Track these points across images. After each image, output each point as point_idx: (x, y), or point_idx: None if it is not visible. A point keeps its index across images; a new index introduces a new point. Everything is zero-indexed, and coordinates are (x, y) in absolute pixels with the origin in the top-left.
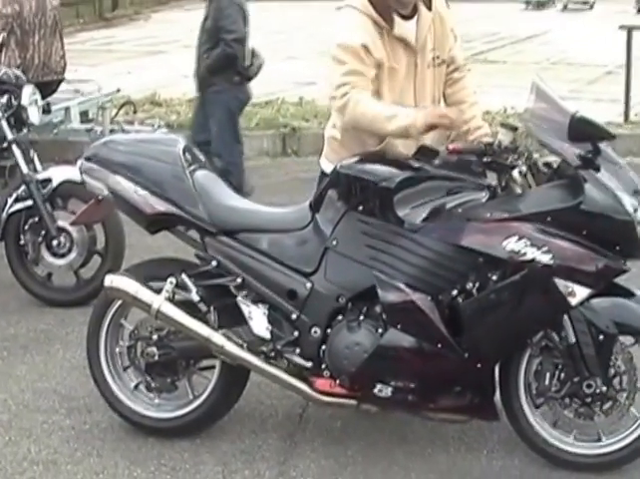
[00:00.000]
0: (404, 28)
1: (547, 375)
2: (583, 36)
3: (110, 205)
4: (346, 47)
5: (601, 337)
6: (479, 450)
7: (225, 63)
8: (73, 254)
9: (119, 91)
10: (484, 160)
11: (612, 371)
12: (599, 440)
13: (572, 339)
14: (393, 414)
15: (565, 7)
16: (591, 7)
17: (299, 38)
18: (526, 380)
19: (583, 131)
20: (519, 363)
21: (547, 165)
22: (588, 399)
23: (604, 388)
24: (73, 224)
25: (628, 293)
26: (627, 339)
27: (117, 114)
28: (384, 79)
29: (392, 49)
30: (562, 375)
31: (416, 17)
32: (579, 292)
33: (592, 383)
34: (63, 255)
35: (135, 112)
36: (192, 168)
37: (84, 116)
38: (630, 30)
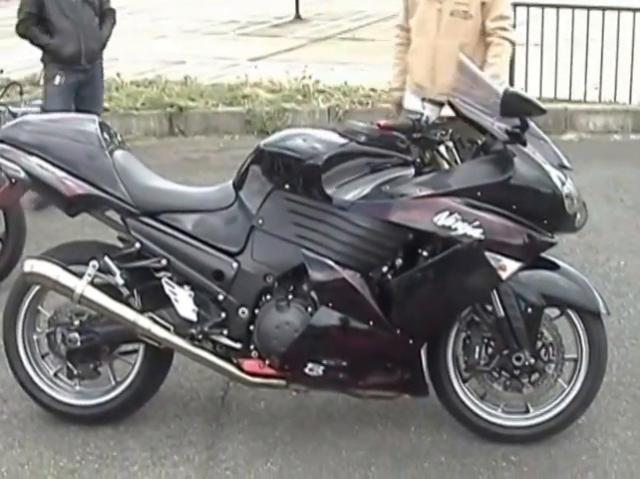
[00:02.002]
0: None
1: (476, 349)
2: None
3: (24, 187)
4: None
5: (529, 310)
6: (406, 426)
7: None
8: None
9: (1, 72)
10: (414, 136)
11: (540, 344)
12: (527, 412)
13: (501, 313)
14: (316, 392)
15: None
16: None
17: (165, 17)
18: (454, 354)
19: (516, 106)
20: (447, 338)
21: (471, 141)
22: (517, 372)
23: (532, 360)
24: None
25: (553, 266)
26: (552, 312)
27: (2, 95)
28: (412, 13)
29: None
30: (491, 349)
31: None
32: (509, 266)
33: (521, 356)
34: None
35: (21, 93)
36: (111, 147)
37: None
38: (528, 7)
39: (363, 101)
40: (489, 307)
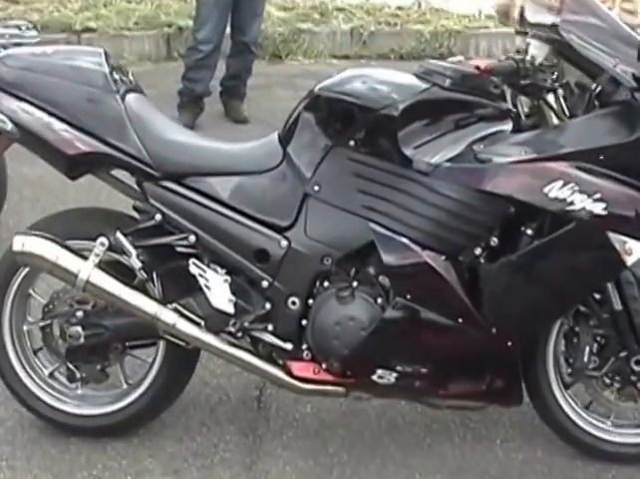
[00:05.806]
0: None
1: (586, 349)
2: None
3: (9, 140)
4: None
5: None
6: (490, 439)
7: None
8: None
9: None
10: (522, 82)
11: None
12: None
13: (619, 305)
14: None
15: None
16: None
17: None
18: (556, 354)
19: None
20: (548, 334)
21: (580, 86)
22: (634, 378)
23: None
24: None
25: None
26: None
27: None
28: None
29: None
30: (603, 349)
31: None
32: (636, 249)
33: None
34: None
35: None
36: (122, 90)
37: None
38: None
39: (390, 21)
40: (603, 298)
